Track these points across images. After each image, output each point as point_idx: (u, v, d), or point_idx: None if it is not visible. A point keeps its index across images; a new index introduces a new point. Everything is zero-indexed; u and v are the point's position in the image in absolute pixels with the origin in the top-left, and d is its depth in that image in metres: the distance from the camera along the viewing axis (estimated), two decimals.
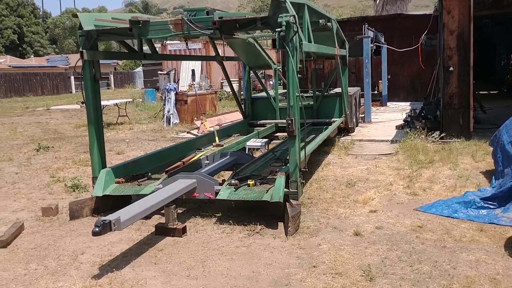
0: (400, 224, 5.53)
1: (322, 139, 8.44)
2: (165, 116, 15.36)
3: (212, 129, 12.84)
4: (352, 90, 12.42)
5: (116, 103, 16.49)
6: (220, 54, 10.15)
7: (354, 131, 12.25)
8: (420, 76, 19.56)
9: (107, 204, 6.23)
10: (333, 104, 11.56)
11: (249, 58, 11.05)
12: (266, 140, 9.51)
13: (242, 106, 12.07)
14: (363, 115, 14.10)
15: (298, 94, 5.54)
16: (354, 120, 12.22)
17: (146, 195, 5.73)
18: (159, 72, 25.24)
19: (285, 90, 14.19)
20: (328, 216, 5.90)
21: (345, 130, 11.87)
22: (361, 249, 4.82)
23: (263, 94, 12.44)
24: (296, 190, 5.60)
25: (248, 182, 5.82)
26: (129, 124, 16.22)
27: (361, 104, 14.20)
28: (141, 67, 41.68)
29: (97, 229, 4.14)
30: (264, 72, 21.57)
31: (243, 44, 9.97)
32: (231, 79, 12.63)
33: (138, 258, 4.79)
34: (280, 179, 5.57)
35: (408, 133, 10.53)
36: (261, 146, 9.13)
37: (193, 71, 25.18)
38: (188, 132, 13.33)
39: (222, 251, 4.91)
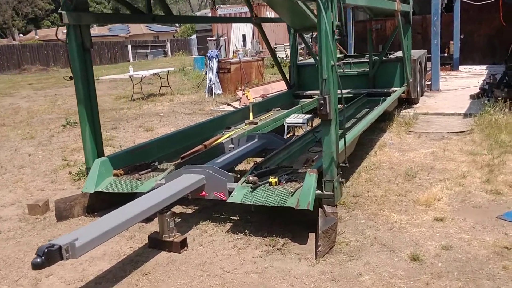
0: (478, 242, 3.97)
1: (375, 116, 6.82)
2: (207, 86, 14.15)
3: (255, 100, 11.50)
4: (416, 53, 10.50)
5: (155, 73, 15.45)
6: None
7: (418, 102, 10.41)
8: (500, 35, 16.90)
9: (105, 200, 5.11)
10: (393, 70, 9.77)
11: (293, 18, 9.44)
12: (310, 116, 8.01)
13: (288, 74, 10.64)
14: (429, 83, 12.12)
15: (334, 63, 4.01)
16: (418, 89, 10.37)
17: (144, 193, 4.56)
18: (209, 38, 23.97)
19: (337, 56, 12.50)
20: (377, 225, 4.43)
21: (407, 101, 10.06)
22: (420, 286, 3.36)
23: (311, 60, 10.83)
24: (331, 193, 4.17)
25: (270, 179, 4.44)
26: (170, 95, 15.19)
27: (428, 69, 12.20)
28: (195, 34, 40.69)
29: (38, 260, 2.97)
30: (312, 34, 19.33)
31: (284, 2, 8.40)
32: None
33: (114, 287, 3.63)
34: (310, 178, 4.15)
35: (486, 104, 8.62)
36: (302, 123, 7.66)
37: (243, 36, 23.72)
38: (228, 105, 12.06)
39: (226, 279, 3.63)
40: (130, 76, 14.70)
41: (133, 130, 9.74)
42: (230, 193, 4.50)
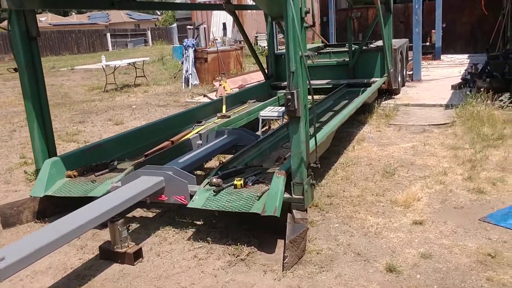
0: (460, 249, 3.64)
1: (352, 110, 6.45)
2: (184, 77, 13.66)
3: (232, 91, 11.06)
4: (397, 42, 10.17)
5: (130, 63, 14.88)
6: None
7: (399, 93, 10.09)
8: (482, 24, 16.68)
9: (58, 204, 4.67)
10: (374, 60, 9.42)
11: (270, 5, 9.00)
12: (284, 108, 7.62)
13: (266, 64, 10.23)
14: (411, 72, 11.81)
15: (303, 54, 3.61)
16: (399, 79, 10.05)
17: (97, 197, 4.13)
18: (188, 26, 23.35)
19: (317, 45, 12.09)
20: (351, 229, 4.07)
21: (387, 92, 9.75)
22: None
23: None
24: (301, 197, 3.78)
25: (235, 181, 4.05)
26: (146, 85, 14.65)
27: (409, 59, 11.88)
28: (176, 22, 39.87)
29: None
30: None
31: None
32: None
33: None
34: (278, 180, 3.76)
35: (468, 95, 8.32)
36: (278, 116, 7.26)
37: (224, 24, 23.15)
38: (204, 96, 11.60)
39: None
40: (103, 66, 14.11)
41: (102, 123, 9.25)
42: (192, 196, 4.09)
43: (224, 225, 4.29)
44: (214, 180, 4.12)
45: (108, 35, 44.06)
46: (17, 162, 6.71)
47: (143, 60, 15.76)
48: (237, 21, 8.97)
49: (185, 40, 13.82)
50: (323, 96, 9.10)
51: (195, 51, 13.53)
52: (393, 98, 9.66)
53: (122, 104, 11.48)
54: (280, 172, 3.81)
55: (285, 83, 9.75)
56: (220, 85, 11.45)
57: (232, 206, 3.81)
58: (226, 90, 11.60)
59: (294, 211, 3.80)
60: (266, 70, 10.28)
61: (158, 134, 6.10)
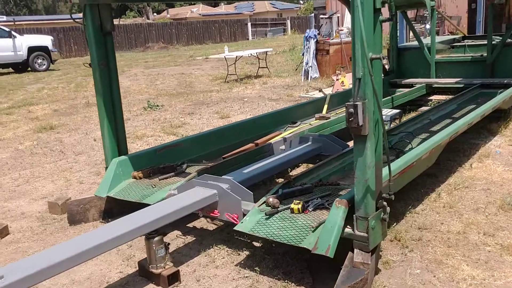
0: None
1: (473, 119, 5.26)
2: (303, 69, 13.09)
3: (351, 86, 10.21)
4: None
5: (252, 54, 14.74)
6: None
7: None
8: None
9: (124, 204, 4.50)
10: None
11: None
12: (397, 111, 6.63)
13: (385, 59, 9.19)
14: None
15: (377, 56, 2.80)
16: None
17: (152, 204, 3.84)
18: (321, 16, 22.62)
19: (453, 37, 10.58)
20: (435, 280, 3.17)
21: None
22: None
23: (415, 43, 9.22)
24: (365, 234, 3.01)
25: (293, 204, 3.41)
26: (267, 77, 14.41)
27: None
28: (314, 12, 39.26)
29: None
30: (417, 12, 16.49)
31: None
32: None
33: None
34: (337, 212, 3.04)
35: None
36: (385, 121, 6.33)
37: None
38: (320, 91, 10.89)
39: None
40: (225, 57, 14.20)
41: (209, 116, 9.16)
42: (245, 215, 3.57)
43: (282, 251, 3.69)
44: (271, 199, 3.54)
45: (249, 24, 45.23)
46: None
47: (266, 51, 15.52)
48: None
49: (307, 30, 13.21)
50: (448, 97, 7.85)
51: (316, 42, 12.85)
52: None
53: (236, 96, 11.35)
54: (340, 201, 3.08)
55: (407, 80, 8.68)
56: (337, 79, 10.66)
57: (281, 236, 3.19)
58: (344, 86, 10.78)
59: (355, 251, 3.05)
60: (386, 66, 9.26)
61: (244, 134, 5.69)
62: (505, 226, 3.88)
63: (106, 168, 4.61)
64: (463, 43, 9.12)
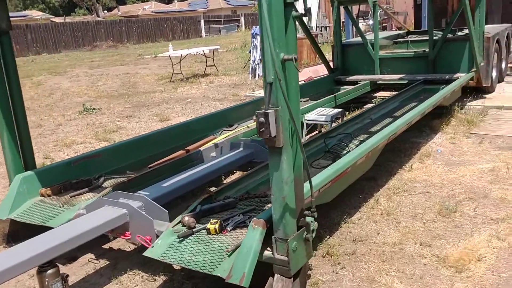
0: None
1: (412, 118, 5.03)
2: (250, 67, 12.75)
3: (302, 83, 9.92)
4: (493, 29, 8.33)
5: (198, 52, 14.27)
6: None
7: (493, 91, 8.27)
8: None
9: (31, 227, 3.99)
10: (460, 52, 7.75)
11: None
12: (338, 111, 6.36)
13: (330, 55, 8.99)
14: None
15: (289, 57, 2.45)
16: (493, 74, 8.22)
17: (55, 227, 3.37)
18: None
19: (397, 32, 10.48)
20: None
21: (477, 90, 8.01)
22: None
23: (358, 39, 9.05)
24: (285, 258, 2.67)
25: (209, 224, 3.04)
26: (215, 75, 13.99)
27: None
28: None
29: None
30: (359, 8, 16.29)
31: None
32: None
33: None
34: (253, 234, 2.69)
35: None
36: (325, 121, 6.06)
37: (308, 10, 21.78)
38: None
39: None
40: (169, 55, 13.66)
41: (148, 119, 8.67)
42: (158, 237, 3.17)
43: (203, 275, 3.30)
44: (186, 219, 3.14)
45: (202, 21, 44.56)
46: (41, 162, 6.25)
47: (214, 49, 15.08)
48: None
49: (253, 27, 12.86)
50: (392, 93, 7.70)
51: None
52: (484, 97, 7.90)
53: (180, 97, 10.87)
54: (257, 221, 2.73)
55: (352, 77, 8.48)
56: None
57: (194, 262, 2.81)
58: None
59: (276, 276, 2.71)
60: (331, 63, 9.06)
61: (175, 140, 5.26)
62: (442, 234, 3.65)
63: (10, 185, 4.08)
64: (406, 39, 9.02)
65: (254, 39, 12.57)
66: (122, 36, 37.78)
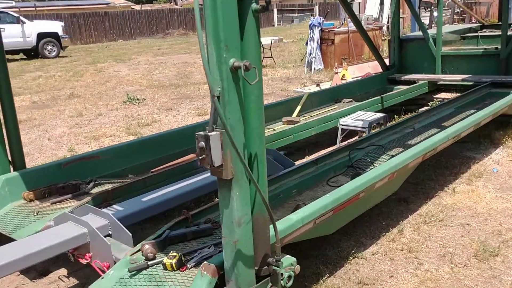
0: None
1: (460, 130, 4.20)
2: (307, 60, 12.06)
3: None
4: None
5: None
6: None
7: None
8: None
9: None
10: None
11: None
12: (380, 116, 5.59)
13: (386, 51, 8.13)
14: None
15: (240, 64, 1.87)
16: None
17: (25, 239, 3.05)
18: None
19: (458, 26, 9.35)
20: None
21: None
22: None
23: (419, 33, 8.09)
24: None
25: (166, 259, 2.54)
26: (270, 68, 13.43)
27: None
28: None
29: None
30: None
31: None
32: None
33: None
34: (200, 283, 2.16)
35: None
36: (362, 128, 5.34)
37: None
38: (317, 85, 9.86)
39: None
40: None
41: (187, 112, 8.32)
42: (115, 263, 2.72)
43: None
44: (146, 247, 2.67)
45: (275, 10, 43.92)
46: (60, 156, 6.10)
47: (271, 40, 14.47)
48: None
49: (312, 17, 12.12)
50: (455, 95, 6.77)
51: (321, 31, 11.77)
52: None
53: None
54: (207, 266, 2.19)
55: (408, 76, 7.58)
56: (336, 73, 9.61)
57: None
58: (345, 79, 9.73)
59: None
60: (388, 59, 8.20)
61: (184, 143, 4.79)
62: (472, 286, 2.89)
63: None
64: (477, 34, 7.92)
65: (311, 31, 11.85)
66: (194, 25, 38.13)
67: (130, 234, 2.86)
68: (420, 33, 8.05)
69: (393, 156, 4.14)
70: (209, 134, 1.88)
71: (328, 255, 3.32)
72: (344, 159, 4.21)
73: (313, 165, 3.99)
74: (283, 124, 5.59)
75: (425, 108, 7.01)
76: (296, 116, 5.77)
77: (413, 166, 3.74)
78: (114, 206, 3.31)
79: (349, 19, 12.44)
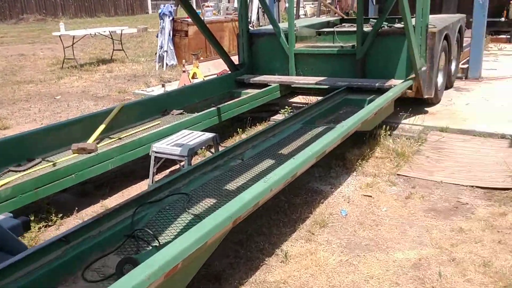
0: None
1: (294, 171, 2.97)
2: (158, 54, 10.46)
3: (204, 80, 7.71)
4: (442, 21, 6.36)
5: (99, 33, 11.77)
6: None
7: (438, 102, 6.33)
8: None
9: None
10: (397, 50, 5.79)
11: None
12: (208, 136, 4.23)
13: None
14: (466, 66, 7.90)
15: None
16: (439, 81, 6.30)
17: None
18: None
19: (328, 19, 8.46)
20: None
21: (417, 100, 6.05)
22: None
23: (269, 27, 6.97)
24: None
25: None
26: (120, 62, 11.63)
27: (465, 44, 7.96)
28: None
29: None
30: None
31: None
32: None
33: None
34: None
35: None
36: (180, 156, 3.93)
37: None
38: (163, 85, 8.32)
39: None
40: (59, 36, 11.13)
41: None
42: None
43: None
44: None
45: None
46: None
47: (121, 30, 12.61)
48: None
49: (162, 5, 10.53)
50: (311, 100, 5.72)
51: (173, 21, 10.22)
52: (425, 112, 5.96)
53: (53, 91, 8.50)
54: None
55: (257, 78, 6.31)
56: (184, 71, 8.16)
57: None
58: (196, 78, 8.33)
59: None
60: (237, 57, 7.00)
61: None
62: None
63: None
64: (333, 29, 6.96)
65: (162, 21, 10.26)
66: (56, 10, 34.24)
67: None
68: (269, 27, 6.92)
69: (197, 217, 2.80)
70: None
71: None
72: (123, 224, 2.76)
73: (62, 245, 2.47)
74: (73, 153, 4.00)
75: (279, 116, 5.90)
76: (94, 141, 4.20)
77: (226, 231, 2.42)
78: None
79: (207, 7, 11.09)
